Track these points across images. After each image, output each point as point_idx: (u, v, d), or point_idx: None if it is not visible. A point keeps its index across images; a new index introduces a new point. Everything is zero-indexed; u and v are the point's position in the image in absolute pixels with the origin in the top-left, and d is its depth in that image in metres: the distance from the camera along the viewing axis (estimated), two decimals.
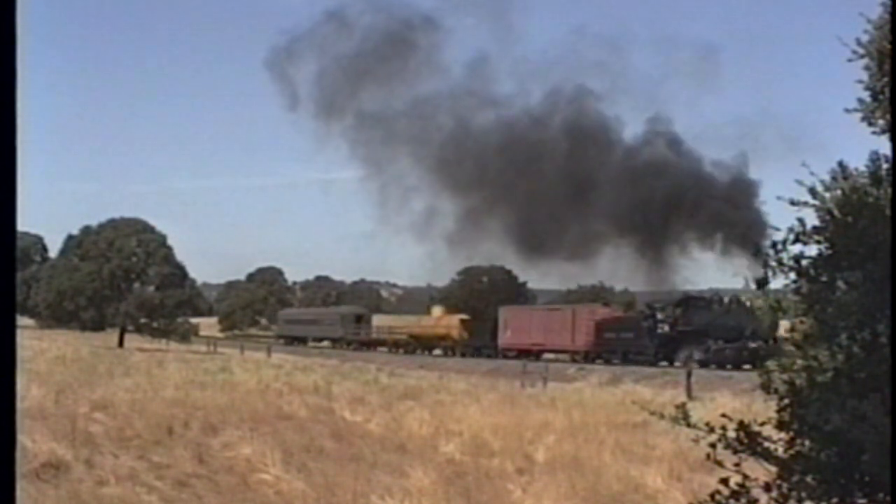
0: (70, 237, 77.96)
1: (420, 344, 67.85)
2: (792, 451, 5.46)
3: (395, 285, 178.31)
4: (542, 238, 47.69)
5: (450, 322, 66.92)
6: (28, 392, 18.33)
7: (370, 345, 74.45)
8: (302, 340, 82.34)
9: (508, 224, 49.34)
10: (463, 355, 58.74)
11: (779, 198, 5.69)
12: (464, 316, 67.86)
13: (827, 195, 5.43)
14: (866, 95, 5.66)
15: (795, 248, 5.48)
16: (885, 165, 5.44)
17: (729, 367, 38.64)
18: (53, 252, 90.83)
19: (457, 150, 48.62)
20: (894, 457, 4.40)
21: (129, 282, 73.69)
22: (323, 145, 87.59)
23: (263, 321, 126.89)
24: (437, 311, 74.12)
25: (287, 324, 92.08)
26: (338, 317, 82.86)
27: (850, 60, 5.64)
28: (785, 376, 5.52)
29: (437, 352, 65.21)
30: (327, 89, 50.03)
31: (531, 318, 58.76)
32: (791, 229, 5.46)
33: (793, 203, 5.56)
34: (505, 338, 57.83)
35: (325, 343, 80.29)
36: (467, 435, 19.10)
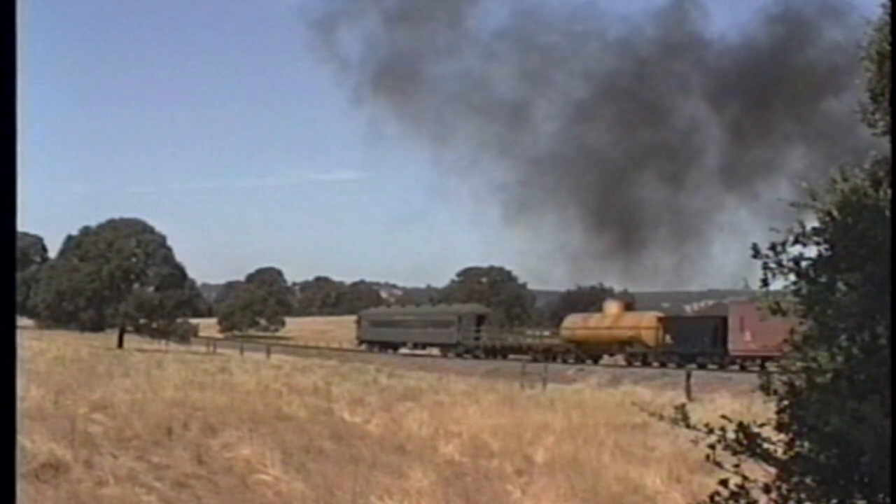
0: (70, 238, 78.00)
1: (585, 351, 52.79)
2: (791, 453, 5.45)
3: (394, 286, 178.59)
4: None
5: (639, 321, 51.47)
6: (27, 393, 18.32)
7: (501, 353, 58.00)
8: (392, 346, 69.17)
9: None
10: (662, 365, 45.55)
11: (779, 199, 5.70)
12: (659, 313, 54.21)
13: (827, 197, 5.43)
14: (866, 97, 5.66)
15: (795, 250, 5.49)
16: (884, 167, 5.44)
17: None
18: (53, 252, 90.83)
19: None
20: (894, 458, 4.40)
21: (128, 282, 73.72)
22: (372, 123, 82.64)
23: (263, 322, 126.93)
24: (612, 306, 55.86)
25: (374, 326, 75.02)
26: (454, 318, 65.85)
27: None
28: (784, 378, 5.52)
29: (604, 361, 50.97)
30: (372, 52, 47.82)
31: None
32: (791, 230, 5.46)
33: (793, 205, 5.56)
34: (742, 341, 45.00)
35: (430, 350, 65.21)
36: (466, 436, 19.11)
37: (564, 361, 51.57)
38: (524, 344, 59.14)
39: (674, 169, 41.85)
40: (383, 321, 75.16)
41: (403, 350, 67.38)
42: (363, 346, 72.51)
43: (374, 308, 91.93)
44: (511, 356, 55.77)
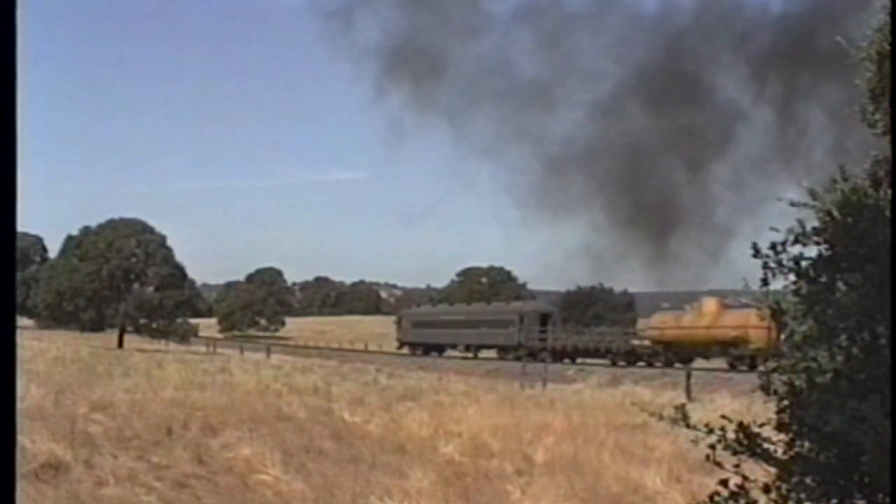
0: (69, 238, 78.08)
1: (676, 354, 46.91)
2: (791, 453, 5.45)
3: (394, 286, 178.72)
4: None
5: (747, 320, 41.53)
6: (27, 392, 18.32)
7: (570, 356, 52.39)
8: (438, 349, 63.69)
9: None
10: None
11: (779, 199, 5.70)
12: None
13: (827, 196, 5.43)
14: (866, 97, 5.66)
15: (795, 250, 5.49)
16: (884, 167, 5.44)
17: None
18: (53, 252, 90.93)
19: None
20: (894, 458, 4.40)
21: (128, 282, 73.79)
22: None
23: (263, 322, 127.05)
24: (709, 303, 47.69)
25: (417, 327, 68.33)
26: (515, 317, 59.37)
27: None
28: (784, 377, 5.52)
29: (698, 363, 43.68)
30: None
31: None
32: (791, 230, 5.46)
33: (793, 204, 5.56)
34: None
35: (484, 353, 59.67)
36: (466, 436, 19.10)
37: (650, 365, 46.47)
38: (602, 346, 52.49)
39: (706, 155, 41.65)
40: (428, 321, 67.88)
41: (452, 353, 62.17)
42: (405, 349, 67.25)
43: (417, 307, 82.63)
44: (582, 360, 50.43)
